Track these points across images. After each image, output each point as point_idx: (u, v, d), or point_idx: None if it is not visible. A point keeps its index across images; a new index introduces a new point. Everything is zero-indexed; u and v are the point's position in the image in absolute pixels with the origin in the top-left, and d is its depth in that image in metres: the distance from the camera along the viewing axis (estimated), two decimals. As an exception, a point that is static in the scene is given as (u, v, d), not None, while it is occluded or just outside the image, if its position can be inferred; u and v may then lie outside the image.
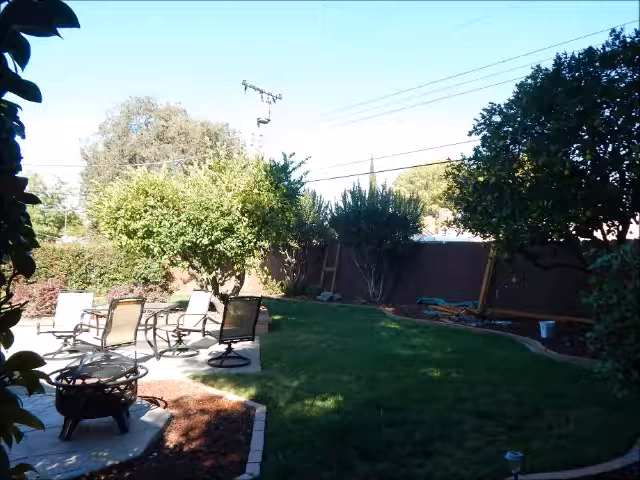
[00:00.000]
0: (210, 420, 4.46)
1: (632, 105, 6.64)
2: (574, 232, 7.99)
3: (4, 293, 1.32)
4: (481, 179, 8.08)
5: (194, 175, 10.85)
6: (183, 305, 9.63)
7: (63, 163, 68.71)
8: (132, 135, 29.88)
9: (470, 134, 8.63)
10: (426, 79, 78.67)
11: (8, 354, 1.26)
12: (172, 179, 11.12)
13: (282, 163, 10.69)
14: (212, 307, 10.03)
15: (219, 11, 60.83)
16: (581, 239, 8.42)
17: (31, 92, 1.20)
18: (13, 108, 1.26)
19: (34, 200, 1.35)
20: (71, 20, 1.14)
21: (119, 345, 6.58)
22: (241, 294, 11.57)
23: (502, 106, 8.19)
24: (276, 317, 11.30)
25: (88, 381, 4.27)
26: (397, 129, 74.68)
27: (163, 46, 62.87)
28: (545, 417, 4.59)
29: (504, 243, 8.14)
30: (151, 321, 7.48)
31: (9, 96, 1.21)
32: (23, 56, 1.16)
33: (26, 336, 5.97)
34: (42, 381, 1.29)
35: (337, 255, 17.33)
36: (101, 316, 7.88)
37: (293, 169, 10.77)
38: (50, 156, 64.95)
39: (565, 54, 7.35)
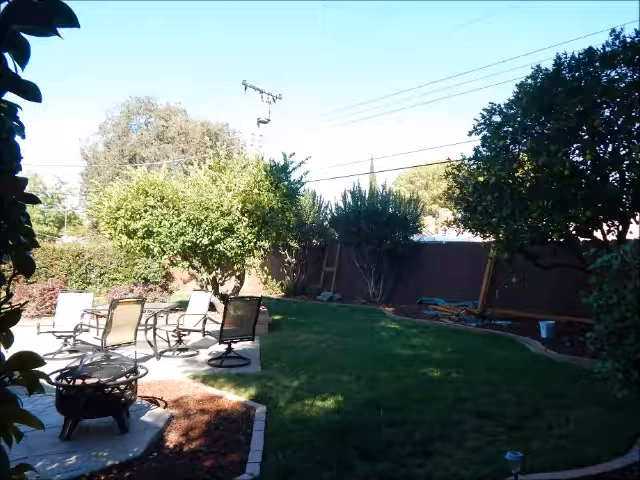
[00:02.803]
0: (210, 420, 4.46)
1: (632, 105, 6.64)
2: (574, 232, 7.98)
3: (4, 293, 1.32)
4: (481, 179, 8.08)
5: (194, 175, 10.85)
6: (183, 305, 9.63)
7: (63, 163, 68.83)
8: (132, 135, 29.88)
9: (470, 134, 8.63)
10: (426, 79, 78.67)
11: (8, 354, 1.27)
12: (172, 179, 11.12)
13: (282, 163, 10.69)
14: (212, 307, 10.02)
15: (219, 11, 60.86)
16: (581, 239, 8.42)
17: (31, 92, 1.20)
18: (13, 108, 1.26)
19: (34, 200, 1.35)
20: (71, 20, 1.14)
21: (119, 345, 6.58)
22: (241, 294, 11.57)
23: (502, 106, 8.19)
24: (276, 317, 11.30)
25: (88, 381, 4.27)
26: (397, 129, 74.70)
27: (163, 46, 62.90)
28: (545, 417, 4.59)
29: (504, 243, 8.14)
30: (151, 321, 7.48)
31: (9, 96, 1.21)
32: (23, 56, 1.16)
33: (26, 336, 5.97)
34: (42, 381, 1.30)
35: (337, 255, 17.33)
36: (101, 316, 7.88)
37: (293, 169, 10.77)
38: (50, 156, 65.05)
39: (565, 54, 7.35)
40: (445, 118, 74.87)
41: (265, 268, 18.31)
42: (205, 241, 9.61)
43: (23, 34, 1.14)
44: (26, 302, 8.72)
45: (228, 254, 9.92)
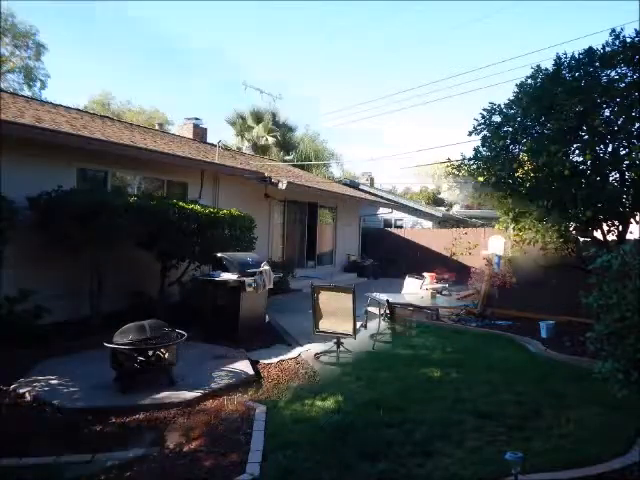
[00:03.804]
0: (210, 420, 4.46)
1: (632, 105, 6.64)
2: (574, 232, 7.98)
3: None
4: (481, 179, 8.08)
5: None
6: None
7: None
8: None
9: (470, 134, 8.61)
10: (426, 79, 78.60)
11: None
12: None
13: (282, 163, 10.71)
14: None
15: (219, 10, 60.81)
16: (581, 239, 8.42)
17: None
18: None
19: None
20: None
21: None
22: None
23: (502, 106, 8.18)
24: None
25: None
26: (397, 129, 74.43)
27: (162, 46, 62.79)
28: (545, 417, 4.59)
29: (504, 243, 8.15)
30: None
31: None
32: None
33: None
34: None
35: (337, 255, 17.31)
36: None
37: (293, 169, 10.79)
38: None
39: (565, 54, 7.35)
40: (445, 118, 74.72)
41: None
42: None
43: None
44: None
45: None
